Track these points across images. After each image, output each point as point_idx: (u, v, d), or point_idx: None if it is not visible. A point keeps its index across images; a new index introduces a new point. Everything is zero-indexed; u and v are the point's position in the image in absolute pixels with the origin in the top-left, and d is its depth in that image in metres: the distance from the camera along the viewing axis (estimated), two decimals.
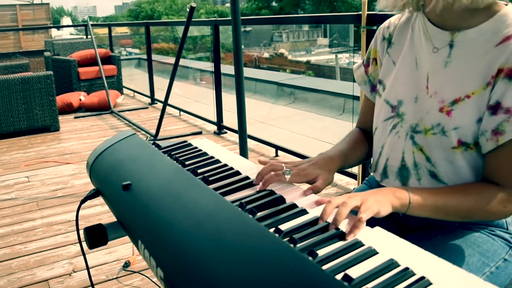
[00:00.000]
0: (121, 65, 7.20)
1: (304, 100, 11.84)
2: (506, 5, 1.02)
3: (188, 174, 0.98)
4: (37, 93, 5.12)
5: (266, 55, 35.08)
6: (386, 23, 1.24)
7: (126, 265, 2.37)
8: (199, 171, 1.13)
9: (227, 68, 4.87)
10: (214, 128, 5.10)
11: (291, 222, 0.86)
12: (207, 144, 1.36)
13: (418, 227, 1.16)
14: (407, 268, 0.69)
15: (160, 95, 6.60)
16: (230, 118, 4.64)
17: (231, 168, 1.14)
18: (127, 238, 1.05)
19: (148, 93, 7.00)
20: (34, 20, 19.24)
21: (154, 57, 7.50)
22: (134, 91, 7.79)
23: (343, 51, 28.65)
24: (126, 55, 20.89)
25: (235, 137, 4.59)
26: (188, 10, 3.43)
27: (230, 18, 2.95)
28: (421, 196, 0.99)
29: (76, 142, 4.81)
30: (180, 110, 6.03)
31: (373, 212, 0.89)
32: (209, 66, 5.47)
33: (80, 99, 6.26)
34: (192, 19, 3.69)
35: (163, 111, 4.64)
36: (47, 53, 7.23)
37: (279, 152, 4.10)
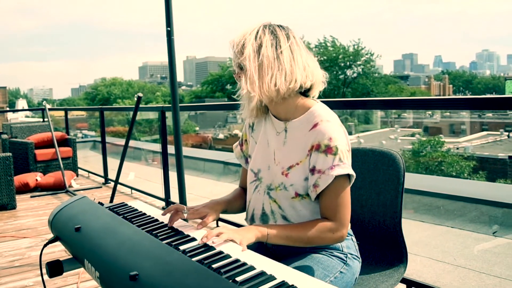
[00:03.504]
0: (77, 147, 7.65)
1: (211, 171, 12.51)
2: (317, 102, 1.61)
3: (119, 218, 1.48)
4: None
5: (221, 136, 36.01)
6: None
7: None
8: (128, 217, 1.63)
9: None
10: (162, 204, 5.55)
11: (186, 245, 1.36)
12: (139, 204, 1.86)
13: (284, 255, 1.67)
14: (272, 276, 1.12)
15: (113, 174, 7.04)
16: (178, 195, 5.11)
17: (152, 217, 1.64)
18: None
19: (102, 173, 7.43)
20: None
21: (110, 139, 7.99)
22: (89, 172, 8.19)
23: None
24: (82, 137, 21.28)
25: None
26: (135, 99, 3.99)
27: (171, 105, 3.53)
28: (276, 229, 1.50)
29: (32, 219, 5.15)
30: (132, 188, 6.48)
31: (234, 239, 1.39)
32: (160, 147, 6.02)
33: (37, 179, 6.63)
34: (144, 105, 4.26)
35: (114, 188, 5.09)
36: (4, 136, 7.61)
37: (220, 223, 4.57)
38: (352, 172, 1.51)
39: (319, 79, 1.58)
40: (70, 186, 6.74)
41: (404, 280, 2.66)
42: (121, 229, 1.39)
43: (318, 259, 1.58)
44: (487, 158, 24.31)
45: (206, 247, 1.32)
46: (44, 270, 1.65)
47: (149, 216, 1.67)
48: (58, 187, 6.55)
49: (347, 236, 1.66)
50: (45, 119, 8.94)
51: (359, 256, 1.70)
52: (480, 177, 21.88)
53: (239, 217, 1.86)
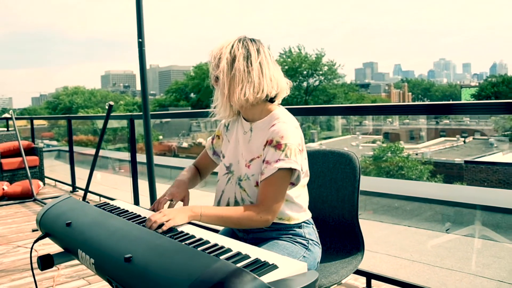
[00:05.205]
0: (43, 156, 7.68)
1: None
2: (280, 107, 1.86)
3: (107, 213, 1.66)
4: None
5: (185, 144, 36.00)
6: None
7: None
8: (115, 213, 1.80)
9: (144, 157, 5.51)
10: None
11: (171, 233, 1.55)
12: (120, 203, 2.03)
13: (252, 243, 1.85)
14: (257, 259, 1.32)
15: (80, 183, 7.10)
16: (147, 202, 5.23)
17: (134, 213, 1.82)
18: None
19: (70, 182, 7.47)
20: None
21: (75, 148, 8.01)
22: (56, 180, 8.21)
23: None
24: (44, 147, 20.97)
25: None
26: (107, 107, 4.13)
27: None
28: (209, 210, 1.71)
29: (1, 227, 5.18)
30: (100, 195, 6.56)
31: (168, 220, 1.60)
32: (127, 156, 6.12)
33: (3, 189, 6.63)
34: (111, 114, 4.38)
35: (85, 195, 5.20)
36: None
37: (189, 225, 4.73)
38: (295, 166, 1.71)
39: (283, 87, 1.84)
40: (38, 194, 6.77)
41: (363, 273, 2.89)
42: (111, 222, 1.56)
43: (283, 246, 1.79)
44: (445, 163, 25.17)
45: (188, 235, 1.51)
46: (36, 271, 1.80)
47: (132, 212, 1.85)
48: (26, 196, 6.57)
49: (308, 224, 1.87)
50: (10, 129, 8.92)
51: (319, 242, 1.91)
52: (438, 180, 22.66)
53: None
